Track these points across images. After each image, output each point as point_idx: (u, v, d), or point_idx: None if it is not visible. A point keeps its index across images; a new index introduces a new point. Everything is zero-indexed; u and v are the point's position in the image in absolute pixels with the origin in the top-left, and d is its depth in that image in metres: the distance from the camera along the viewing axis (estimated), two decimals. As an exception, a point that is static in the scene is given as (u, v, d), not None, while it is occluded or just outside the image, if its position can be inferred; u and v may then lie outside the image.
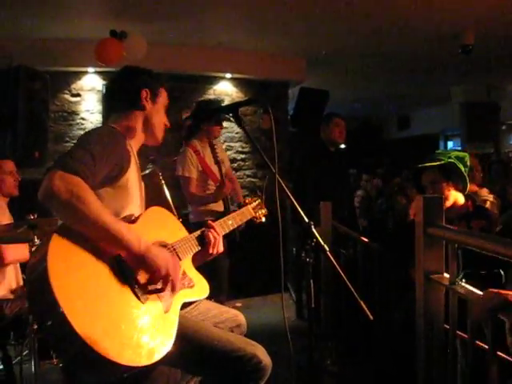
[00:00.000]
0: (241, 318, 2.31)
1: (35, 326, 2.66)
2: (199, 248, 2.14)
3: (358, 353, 3.48)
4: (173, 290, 1.84)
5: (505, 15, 5.17)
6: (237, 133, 6.62)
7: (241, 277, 4.70)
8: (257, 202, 2.62)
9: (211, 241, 2.15)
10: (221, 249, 2.21)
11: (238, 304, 5.46)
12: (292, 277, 5.84)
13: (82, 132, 5.91)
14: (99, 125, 5.94)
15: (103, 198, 1.80)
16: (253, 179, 6.86)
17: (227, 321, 2.24)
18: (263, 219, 2.61)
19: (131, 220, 1.92)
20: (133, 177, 1.97)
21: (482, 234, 2.56)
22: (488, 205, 3.16)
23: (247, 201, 2.60)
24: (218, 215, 4.24)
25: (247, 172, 6.85)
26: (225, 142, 6.52)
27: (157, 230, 2.00)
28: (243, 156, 6.82)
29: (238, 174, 6.63)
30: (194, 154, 4.18)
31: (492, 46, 6.13)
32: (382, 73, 7.87)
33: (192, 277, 2.07)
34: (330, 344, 3.86)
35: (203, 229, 2.18)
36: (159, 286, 1.80)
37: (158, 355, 1.67)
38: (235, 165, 6.65)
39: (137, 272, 1.76)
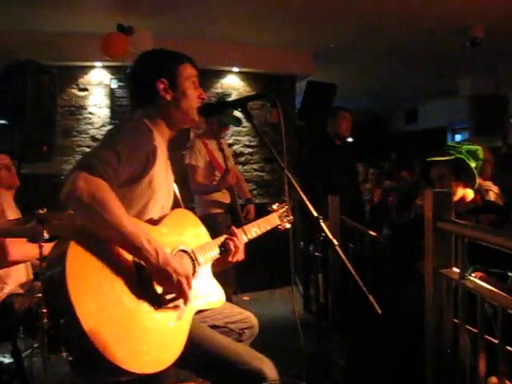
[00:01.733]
0: (253, 319, 2.25)
1: (45, 321, 2.66)
2: (220, 255, 2.08)
3: (366, 346, 3.48)
4: (185, 301, 1.79)
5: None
6: (244, 127, 6.59)
7: (248, 270, 4.69)
8: (284, 208, 2.51)
9: (232, 250, 2.09)
10: (241, 257, 2.14)
11: (246, 298, 5.47)
12: (300, 271, 5.84)
13: (89, 126, 5.94)
14: (107, 119, 5.98)
15: (126, 197, 1.78)
16: (260, 173, 6.85)
17: (239, 322, 2.20)
18: (288, 226, 2.49)
19: (154, 221, 1.90)
20: (159, 173, 1.91)
21: (491, 228, 2.55)
22: (491, 195, 3.13)
23: (275, 207, 2.49)
24: (225, 206, 4.32)
25: (255, 166, 6.83)
26: (232, 135, 6.52)
27: (179, 233, 1.97)
28: (250, 150, 6.80)
29: (245, 167, 6.64)
30: (202, 144, 4.28)
31: (500, 39, 6.07)
32: (389, 66, 7.83)
33: (209, 284, 2.05)
34: (338, 338, 3.86)
35: (226, 236, 2.12)
36: (173, 296, 1.77)
37: (165, 365, 1.67)
38: (242, 159, 6.65)
39: (154, 280, 1.74)
